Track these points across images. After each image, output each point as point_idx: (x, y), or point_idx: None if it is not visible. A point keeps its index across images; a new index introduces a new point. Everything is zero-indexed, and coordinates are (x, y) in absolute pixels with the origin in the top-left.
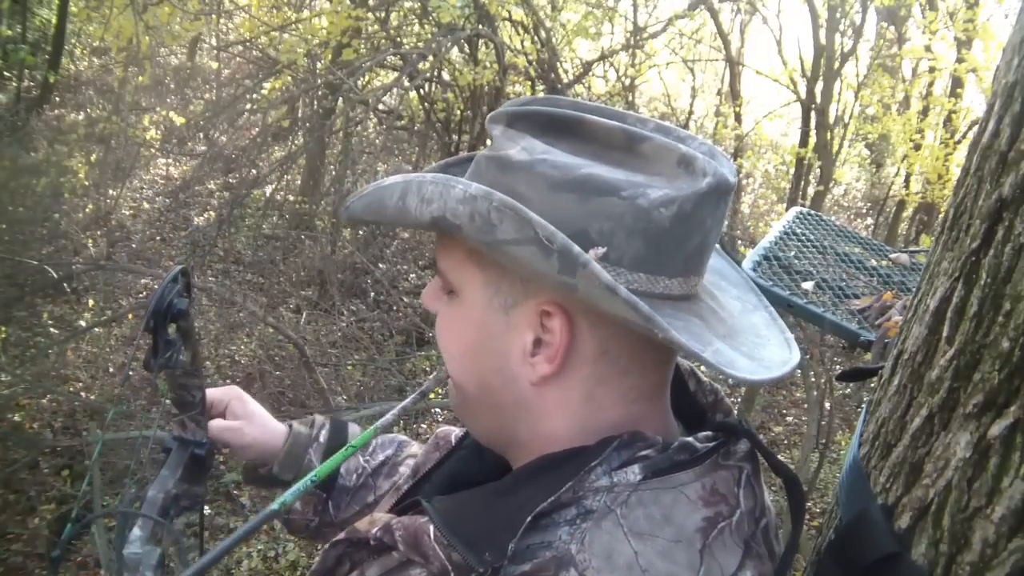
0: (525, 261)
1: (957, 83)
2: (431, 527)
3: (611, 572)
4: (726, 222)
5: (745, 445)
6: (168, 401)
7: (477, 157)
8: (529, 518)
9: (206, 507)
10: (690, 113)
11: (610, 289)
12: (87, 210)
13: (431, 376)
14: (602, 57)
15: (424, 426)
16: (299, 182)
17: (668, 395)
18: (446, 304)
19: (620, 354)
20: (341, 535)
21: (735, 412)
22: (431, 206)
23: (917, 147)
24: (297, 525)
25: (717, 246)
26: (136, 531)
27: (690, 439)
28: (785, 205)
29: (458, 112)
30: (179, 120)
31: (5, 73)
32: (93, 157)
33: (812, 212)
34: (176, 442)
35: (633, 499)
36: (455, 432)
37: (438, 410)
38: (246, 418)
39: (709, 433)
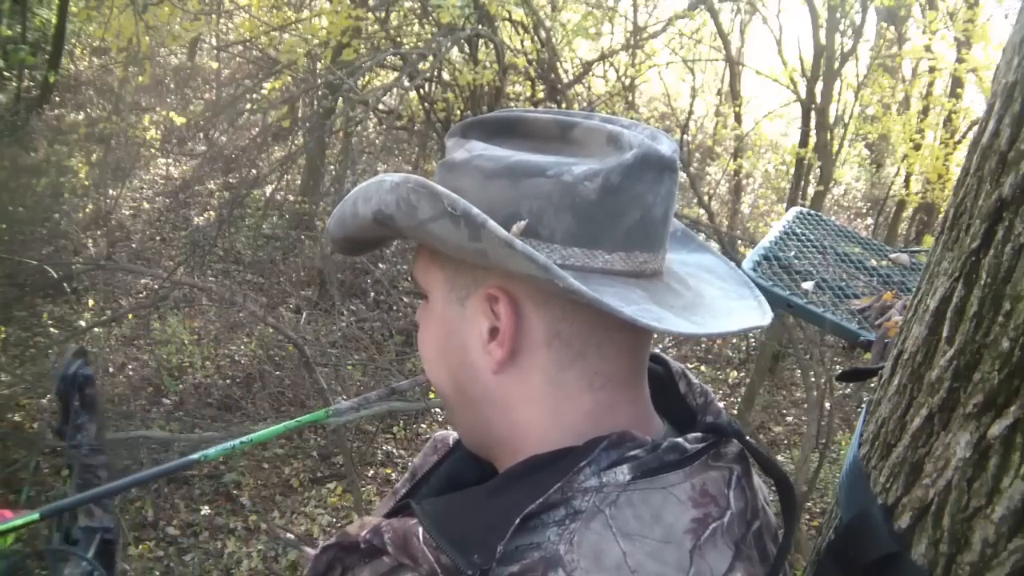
0: (444, 236)
1: (957, 83)
2: (420, 529)
3: (599, 572)
4: (725, 221)
5: (735, 447)
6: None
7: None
8: (518, 520)
9: (206, 508)
10: (690, 113)
11: (507, 244)
12: (87, 210)
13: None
14: (602, 57)
15: (423, 426)
16: (299, 182)
17: (644, 387)
18: (423, 311)
19: (572, 336)
20: (332, 539)
21: (724, 414)
22: (370, 203)
23: (917, 147)
24: None
25: (714, 245)
26: None
27: (679, 439)
28: (785, 205)
29: (458, 112)
30: (179, 120)
31: (5, 73)
32: (93, 157)
33: (812, 212)
34: (83, 532)
35: (622, 499)
36: (452, 435)
37: (438, 410)
38: None
39: (699, 434)
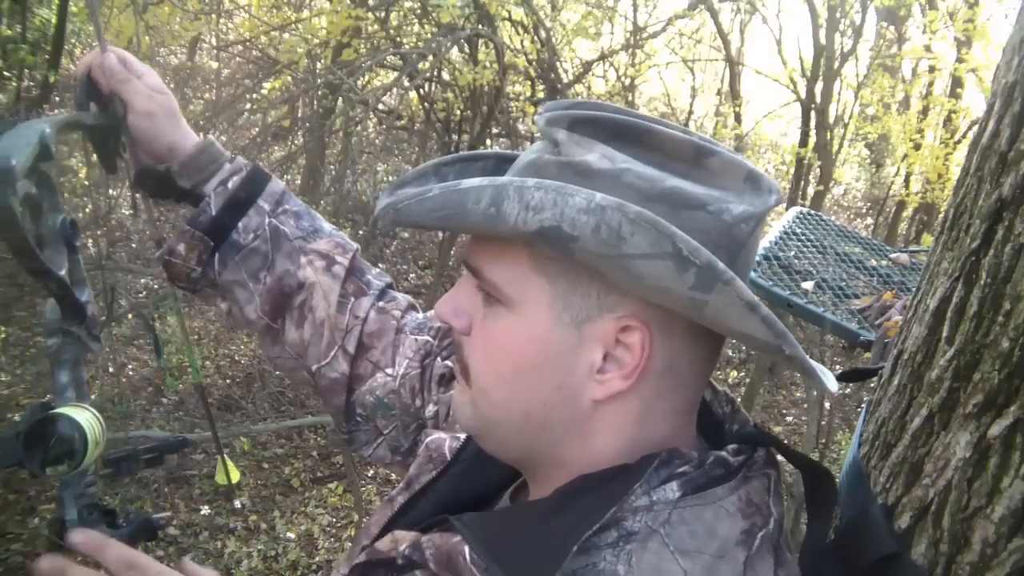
0: (650, 275)
1: (957, 83)
2: (466, 548)
3: None
4: None
5: (762, 451)
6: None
7: (537, 161)
8: (575, 547)
9: (206, 508)
10: (690, 113)
11: (750, 306)
12: (87, 210)
13: None
14: (602, 57)
15: None
16: (299, 182)
17: None
18: (487, 317)
19: (683, 367)
20: (361, 557)
21: (751, 422)
22: (541, 214)
23: (917, 147)
24: (177, 272)
25: None
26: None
27: (723, 454)
28: (785, 205)
29: (458, 112)
30: None
31: (5, 73)
32: (93, 157)
33: (812, 212)
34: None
35: (675, 517)
36: (447, 443)
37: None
38: (161, 92)
39: (736, 446)
